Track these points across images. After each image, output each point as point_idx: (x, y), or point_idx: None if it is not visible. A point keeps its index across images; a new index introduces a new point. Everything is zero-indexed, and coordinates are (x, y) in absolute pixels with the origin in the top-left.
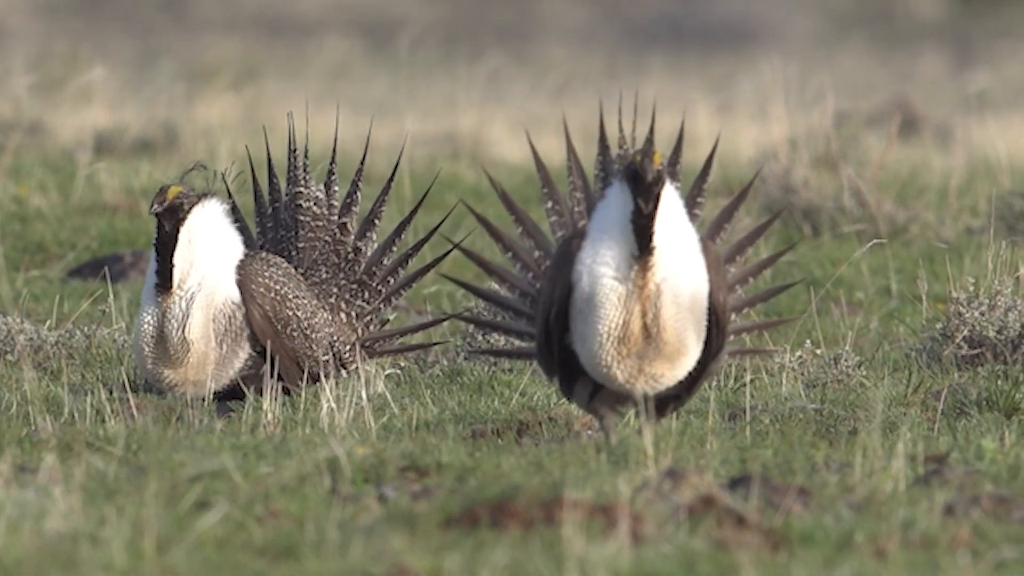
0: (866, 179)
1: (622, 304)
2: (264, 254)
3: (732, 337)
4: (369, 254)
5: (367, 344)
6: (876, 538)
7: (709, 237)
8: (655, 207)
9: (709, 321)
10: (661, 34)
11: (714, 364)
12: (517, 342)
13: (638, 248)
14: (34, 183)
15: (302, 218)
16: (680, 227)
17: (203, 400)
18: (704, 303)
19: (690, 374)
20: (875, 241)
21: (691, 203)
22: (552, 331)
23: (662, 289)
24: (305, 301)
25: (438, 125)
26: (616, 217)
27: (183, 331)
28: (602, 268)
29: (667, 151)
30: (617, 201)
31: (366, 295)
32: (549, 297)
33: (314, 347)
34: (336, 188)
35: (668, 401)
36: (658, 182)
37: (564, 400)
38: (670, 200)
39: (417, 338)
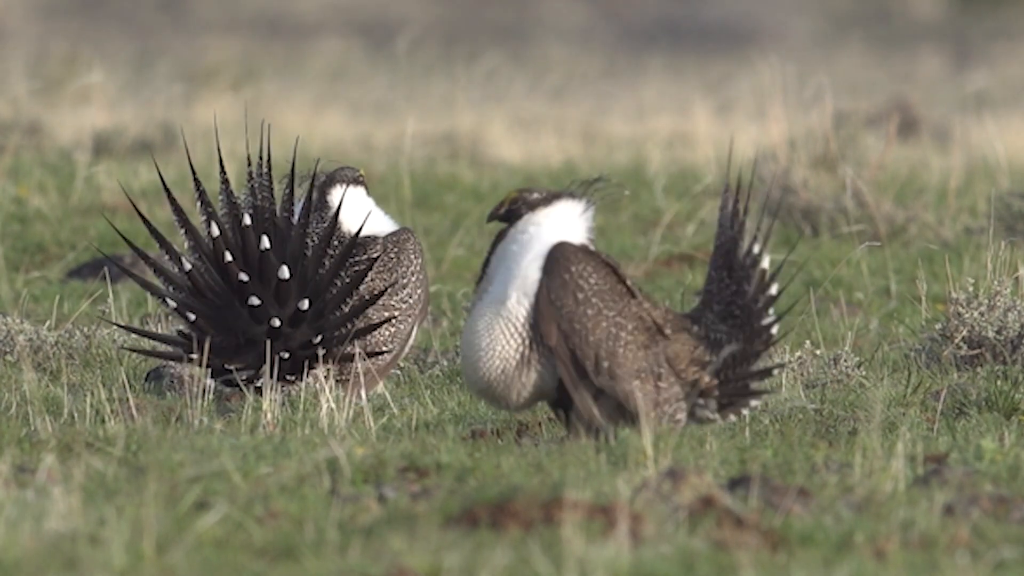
0: (865, 179)
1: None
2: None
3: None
4: None
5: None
6: (875, 538)
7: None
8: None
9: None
10: (660, 34)
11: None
12: None
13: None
14: (33, 184)
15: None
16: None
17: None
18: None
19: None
20: (867, 244)
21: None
22: None
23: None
24: None
25: (437, 125)
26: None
27: None
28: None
29: (665, 152)
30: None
31: None
32: None
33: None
34: None
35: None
36: (508, 218)
37: None
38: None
39: None
